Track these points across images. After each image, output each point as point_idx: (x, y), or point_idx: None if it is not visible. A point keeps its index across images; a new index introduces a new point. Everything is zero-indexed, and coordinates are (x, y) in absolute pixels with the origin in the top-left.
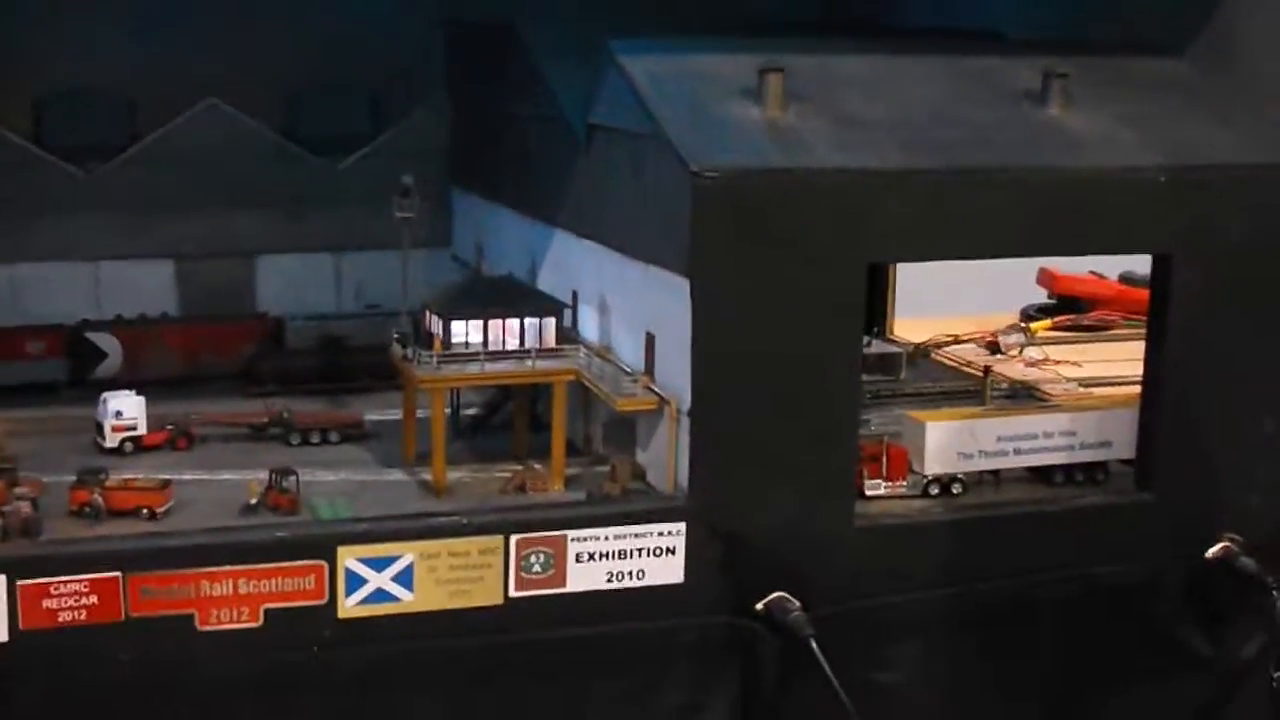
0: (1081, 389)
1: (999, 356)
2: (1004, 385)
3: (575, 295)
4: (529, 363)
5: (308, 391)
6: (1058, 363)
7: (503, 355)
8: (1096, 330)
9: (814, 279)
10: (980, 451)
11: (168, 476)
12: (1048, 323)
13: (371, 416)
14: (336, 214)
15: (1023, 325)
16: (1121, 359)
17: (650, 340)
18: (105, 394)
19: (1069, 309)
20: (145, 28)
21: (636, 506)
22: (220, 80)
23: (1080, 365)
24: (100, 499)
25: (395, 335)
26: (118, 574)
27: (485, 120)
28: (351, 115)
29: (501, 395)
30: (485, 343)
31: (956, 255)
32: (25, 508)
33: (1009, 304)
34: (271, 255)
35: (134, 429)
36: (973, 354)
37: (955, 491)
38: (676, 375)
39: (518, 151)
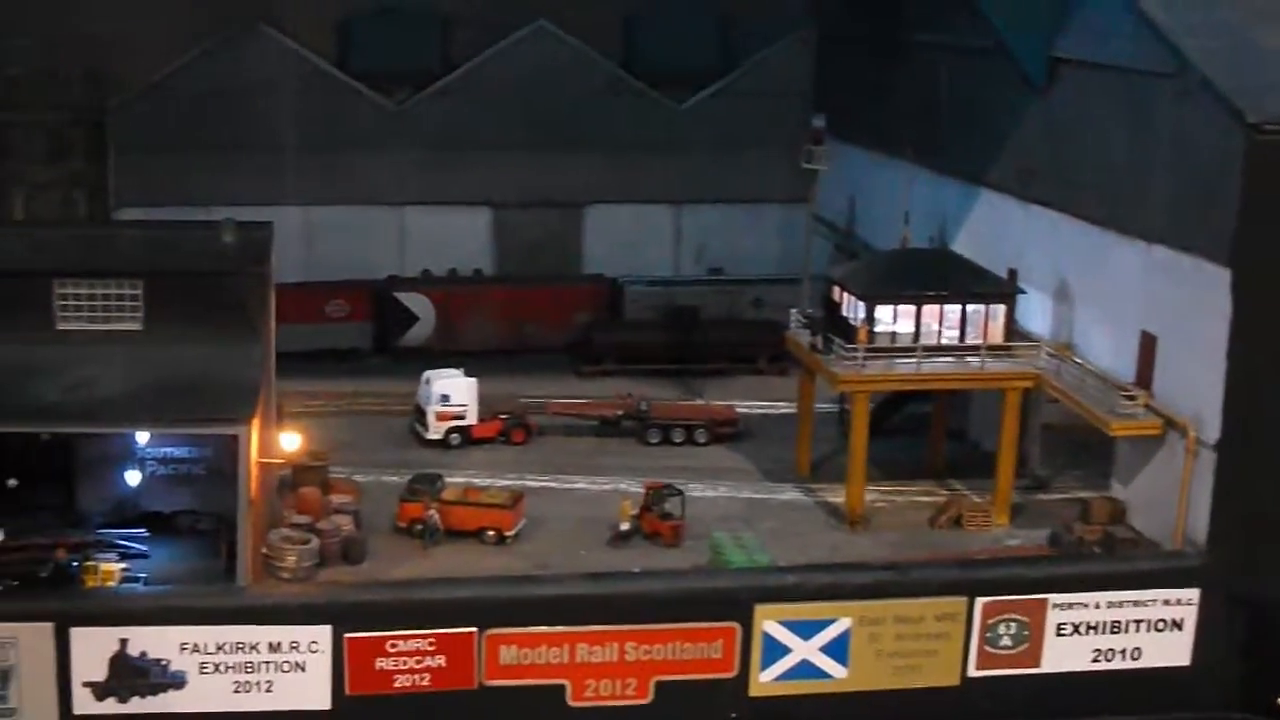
0: None
1: None
2: None
3: (1012, 274)
4: (975, 362)
5: (649, 372)
6: None
7: (942, 351)
8: None
9: None
10: None
11: (510, 483)
12: None
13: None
14: (677, 160)
15: None
16: None
17: (1148, 343)
18: (429, 374)
19: None
20: None
21: (1141, 566)
22: None
23: None
24: (436, 516)
25: (802, 318)
26: (473, 630)
27: (869, 53)
28: (699, 46)
29: (899, 393)
30: (917, 334)
31: None
32: (346, 524)
33: None
34: (602, 205)
35: (462, 418)
36: None
37: None
38: (1191, 392)
39: (922, 92)
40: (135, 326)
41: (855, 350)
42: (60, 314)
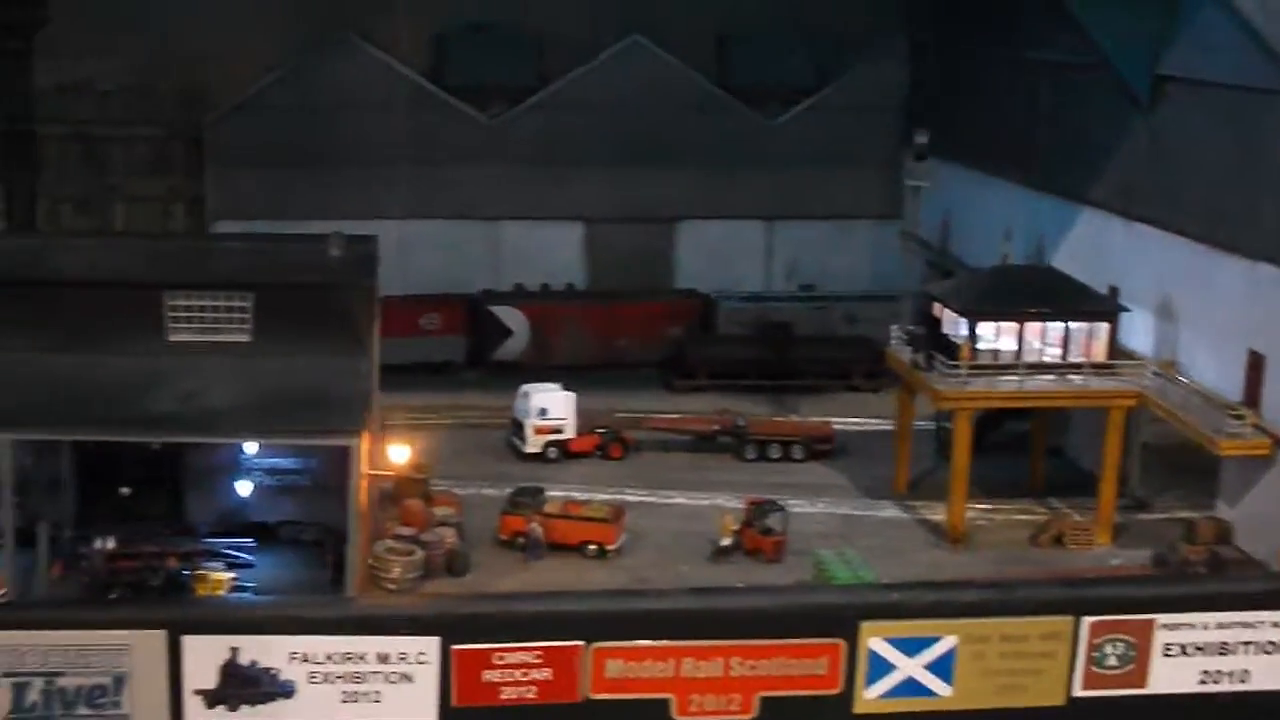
0: None
1: None
2: None
3: (1114, 292)
4: (1078, 380)
5: (742, 388)
6: None
7: (1045, 369)
8: None
9: None
10: None
11: (609, 497)
12: None
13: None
14: (769, 176)
15: None
16: None
17: (1256, 361)
18: (527, 387)
19: None
20: None
21: (1250, 587)
22: (645, 16)
23: None
24: (539, 529)
25: (903, 335)
26: (580, 643)
27: (966, 69)
28: (792, 62)
29: (998, 411)
30: (1019, 351)
31: None
32: (450, 536)
33: None
34: (694, 221)
35: (560, 431)
36: None
37: None
38: None
39: (1022, 108)
40: (244, 338)
41: (958, 367)
42: (171, 325)
